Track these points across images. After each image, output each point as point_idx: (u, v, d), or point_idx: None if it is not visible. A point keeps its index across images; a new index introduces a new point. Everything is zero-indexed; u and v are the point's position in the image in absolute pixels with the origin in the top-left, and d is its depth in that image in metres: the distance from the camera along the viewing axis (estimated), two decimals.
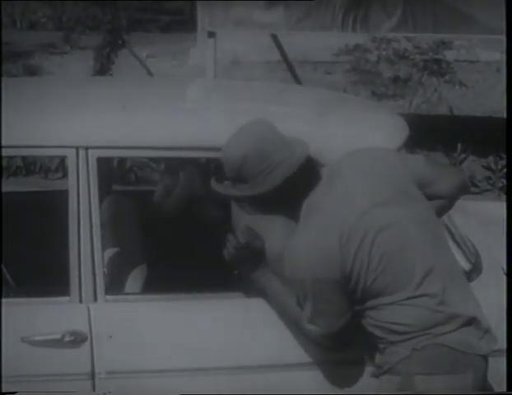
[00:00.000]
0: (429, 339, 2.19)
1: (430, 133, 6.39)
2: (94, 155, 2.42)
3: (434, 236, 2.30)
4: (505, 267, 2.61)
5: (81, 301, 2.42)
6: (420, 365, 2.20)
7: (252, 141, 2.25)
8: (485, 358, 2.24)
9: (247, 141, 2.25)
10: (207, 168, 3.16)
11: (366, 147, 2.42)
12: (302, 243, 2.22)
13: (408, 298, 2.19)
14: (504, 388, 2.38)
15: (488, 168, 6.37)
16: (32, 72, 9.63)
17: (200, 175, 3.14)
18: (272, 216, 2.39)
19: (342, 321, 2.24)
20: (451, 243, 2.51)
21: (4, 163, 5.93)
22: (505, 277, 2.58)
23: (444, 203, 2.43)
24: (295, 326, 2.37)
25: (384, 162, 2.36)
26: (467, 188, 2.53)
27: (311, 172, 2.31)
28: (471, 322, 2.22)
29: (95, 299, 2.42)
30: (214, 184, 2.34)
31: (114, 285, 2.53)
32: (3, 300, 2.39)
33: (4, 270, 2.85)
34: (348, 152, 2.36)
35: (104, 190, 2.86)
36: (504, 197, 5.31)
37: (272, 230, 2.47)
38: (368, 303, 2.23)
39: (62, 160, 5.47)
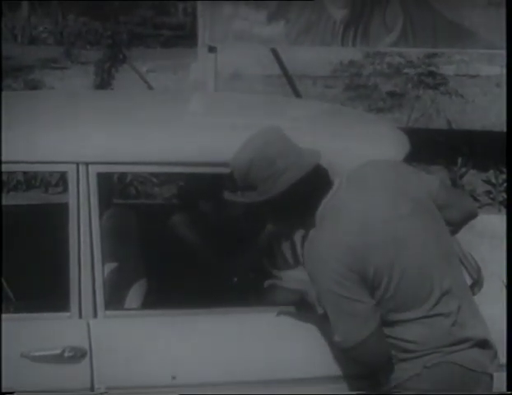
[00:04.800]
0: (440, 357, 2.18)
1: (431, 147, 6.39)
2: (94, 170, 2.42)
3: (449, 254, 2.29)
4: (505, 279, 2.61)
5: (80, 317, 2.41)
6: (429, 383, 2.18)
7: (257, 147, 2.23)
8: (491, 377, 2.24)
9: (252, 147, 2.24)
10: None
11: (385, 159, 2.40)
12: (319, 252, 2.17)
13: (424, 316, 2.17)
14: (504, 388, 2.38)
15: (488, 182, 6.36)
16: (33, 86, 9.64)
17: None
18: (282, 223, 2.37)
19: (364, 332, 2.16)
20: None
21: (4, 177, 5.93)
22: (505, 290, 2.58)
23: (450, 229, 2.41)
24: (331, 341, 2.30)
25: (403, 175, 2.33)
26: (475, 216, 2.53)
27: (322, 181, 2.27)
28: (481, 343, 2.21)
29: (95, 314, 2.42)
30: (227, 195, 2.32)
31: (114, 300, 2.52)
32: (3, 316, 2.39)
33: (5, 284, 2.84)
34: (368, 161, 2.34)
35: (105, 204, 2.85)
36: (504, 210, 5.31)
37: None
38: (382, 317, 2.19)
39: (63, 174, 5.46)
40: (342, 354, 2.28)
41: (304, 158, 2.25)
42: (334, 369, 2.42)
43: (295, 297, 2.43)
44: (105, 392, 2.40)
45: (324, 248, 2.16)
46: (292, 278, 2.44)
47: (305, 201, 2.25)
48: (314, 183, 2.24)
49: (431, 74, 8.31)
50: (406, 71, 9.02)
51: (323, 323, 2.30)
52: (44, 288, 2.64)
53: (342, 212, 2.20)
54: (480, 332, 2.23)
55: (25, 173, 6.11)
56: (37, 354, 2.36)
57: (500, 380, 2.34)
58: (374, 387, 2.35)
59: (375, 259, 2.13)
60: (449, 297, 2.19)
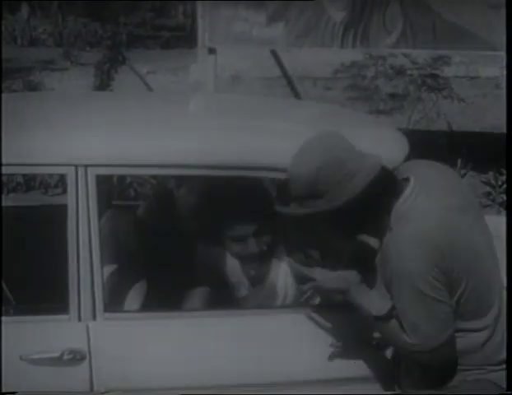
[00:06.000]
0: (482, 374, 2.17)
1: (430, 149, 6.38)
2: (93, 172, 2.41)
3: (500, 264, 2.28)
4: (505, 281, 2.60)
5: (79, 319, 2.41)
6: None
7: (324, 152, 2.13)
8: None
9: (318, 153, 2.13)
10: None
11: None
12: (411, 251, 2.08)
13: (481, 329, 2.14)
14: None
15: (488, 183, 6.37)
16: (32, 88, 9.65)
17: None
18: (349, 232, 2.25)
19: (444, 335, 2.11)
20: None
21: (4, 179, 5.93)
22: (504, 292, 2.58)
23: None
24: (394, 343, 2.24)
25: (461, 182, 2.35)
26: None
27: (390, 181, 2.19)
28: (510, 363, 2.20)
29: (94, 317, 2.41)
30: (280, 208, 2.23)
31: (113, 302, 2.52)
32: (3, 318, 2.38)
33: (4, 286, 2.84)
34: (428, 162, 2.35)
35: (104, 206, 2.85)
36: (504, 212, 5.31)
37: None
38: None
39: (62, 176, 5.46)
40: (412, 357, 2.18)
41: (369, 160, 2.17)
42: (337, 371, 2.43)
43: (336, 297, 2.34)
44: (105, 392, 2.40)
45: (414, 247, 2.07)
46: (327, 276, 2.30)
47: (377, 204, 2.14)
48: (383, 185, 2.15)
49: (435, 76, 8.32)
50: (409, 72, 9.03)
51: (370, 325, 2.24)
52: (43, 290, 2.63)
53: (424, 213, 2.12)
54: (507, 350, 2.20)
55: (24, 174, 6.12)
56: (36, 357, 2.36)
57: (500, 380, 2.34)
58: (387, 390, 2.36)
59: (458, 261, 2.09)
60: (502, 310, 2.18)
